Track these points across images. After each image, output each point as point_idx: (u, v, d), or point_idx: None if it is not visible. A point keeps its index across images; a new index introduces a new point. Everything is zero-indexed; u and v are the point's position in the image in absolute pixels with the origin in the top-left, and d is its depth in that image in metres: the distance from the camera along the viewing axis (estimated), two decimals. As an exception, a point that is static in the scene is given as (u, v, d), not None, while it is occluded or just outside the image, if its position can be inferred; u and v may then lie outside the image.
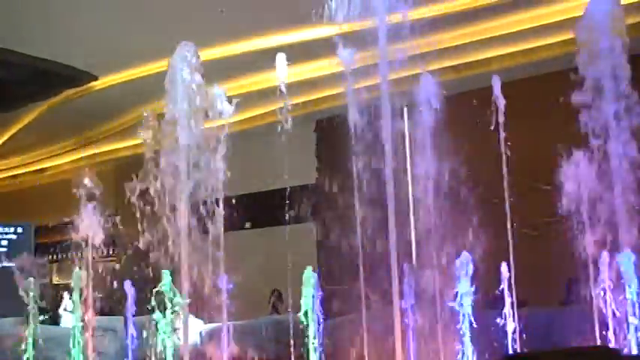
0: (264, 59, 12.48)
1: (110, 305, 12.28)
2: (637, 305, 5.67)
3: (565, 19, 9.97)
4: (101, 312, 9.85)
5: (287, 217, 14.68)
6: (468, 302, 6.68)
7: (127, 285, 8.34)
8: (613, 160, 5.92)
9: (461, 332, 6.58)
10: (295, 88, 13.30)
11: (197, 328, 7.39)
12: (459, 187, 6.67)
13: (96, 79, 13.66)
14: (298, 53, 12.00)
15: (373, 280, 7.07)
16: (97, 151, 17.86)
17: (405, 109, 7.00)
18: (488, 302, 7.84)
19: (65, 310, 11.79)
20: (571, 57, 6.42)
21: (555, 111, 6.60)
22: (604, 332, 5.83)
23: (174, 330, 8.30)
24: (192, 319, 6.69)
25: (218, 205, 6.80)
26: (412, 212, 6.73)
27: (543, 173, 9.65)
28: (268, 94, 13.61)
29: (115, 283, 13.98)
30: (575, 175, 6.31)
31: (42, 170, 20.09)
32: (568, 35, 7.85)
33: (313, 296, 7.05)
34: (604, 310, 5.80)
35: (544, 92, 10.88)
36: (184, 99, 6.68)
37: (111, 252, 21.32)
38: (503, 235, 7.10)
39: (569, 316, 6.47)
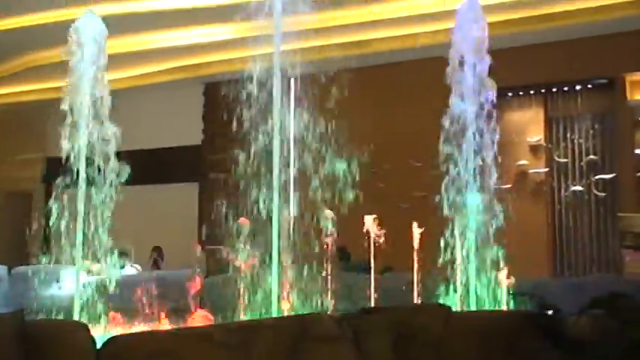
0: (158, 19, 12.56)
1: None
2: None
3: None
4: None
5: (171, 175, 14.86)
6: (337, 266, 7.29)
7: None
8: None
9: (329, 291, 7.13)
10: (185, 50, 13.45)
11: (82, 279, 7.56)
12: (341, 159, 7.08)
13: (-22, 22, 13.23)
14: (188, 17, 12.16)
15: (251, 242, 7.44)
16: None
17: (293, 81, 7.27)
18: (360, 267, 8.49)
19: None
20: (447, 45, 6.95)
21: (432, 94, 7.11)
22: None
23: (57, 280, 8.43)
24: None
25: (108, 160, 6.86)
26: (292, 183, 7.09)
27: (419, 151, 10.36)
28: (159, 53, 13.69)
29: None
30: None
31: None
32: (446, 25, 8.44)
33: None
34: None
35: (424, 75, 11.61)
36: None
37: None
38: (380, 207, 7.68)
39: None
